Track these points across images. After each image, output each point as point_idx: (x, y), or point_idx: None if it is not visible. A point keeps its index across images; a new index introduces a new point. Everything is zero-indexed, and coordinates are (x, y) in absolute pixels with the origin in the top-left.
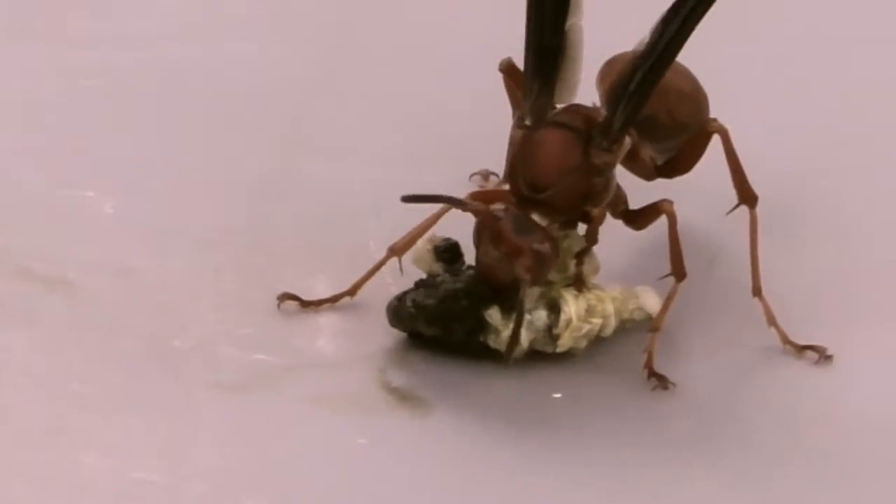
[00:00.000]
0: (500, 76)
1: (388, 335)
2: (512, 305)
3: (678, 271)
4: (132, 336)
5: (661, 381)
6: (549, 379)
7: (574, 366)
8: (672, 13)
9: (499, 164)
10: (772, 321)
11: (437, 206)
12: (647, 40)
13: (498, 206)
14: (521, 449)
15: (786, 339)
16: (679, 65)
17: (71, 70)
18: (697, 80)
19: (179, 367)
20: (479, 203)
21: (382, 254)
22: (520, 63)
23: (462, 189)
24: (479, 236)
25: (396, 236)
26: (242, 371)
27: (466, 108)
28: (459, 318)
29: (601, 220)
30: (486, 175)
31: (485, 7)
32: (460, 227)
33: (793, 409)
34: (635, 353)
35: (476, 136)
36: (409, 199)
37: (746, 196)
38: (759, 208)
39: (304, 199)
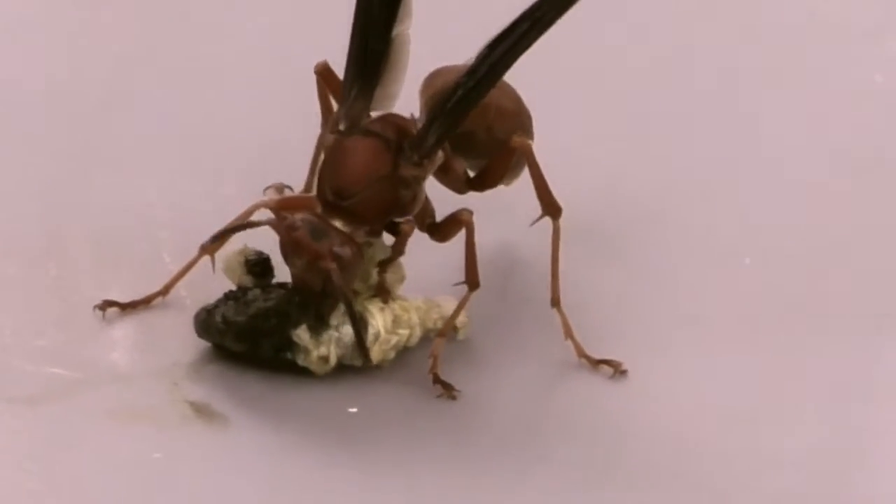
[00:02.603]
0: (298, 86)
1: (183, 349)
2: (319, 324)
3: (472, 280)
4: None
5: (445, 389)
6: (345, 392)
7: (372, 378)
8: (500, 38)
9: (294, 177)
10: (568, 333)
11: (245, 206)
12: (472, 61)
13: (297, 216)
14: (316, 464)
15: (581, 353)
16: (504, 83)
17: None
18: (522, 99)
19: None
20: (270, 218)
21: (176, 265)
22: (337, 67)
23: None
24: (284, 250)
25: (190, 247)
26: (36, 384)
27: (261, 119)
28: (268, 336)
29: (409, 233)
30: (280, 188)
31: (281, 14)
32: (273, 237)
33: (588, 422)
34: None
35: (271, 148)
36: (209, 245)
37: (550, 207)
38: (563, 221)
39: (97, 212)
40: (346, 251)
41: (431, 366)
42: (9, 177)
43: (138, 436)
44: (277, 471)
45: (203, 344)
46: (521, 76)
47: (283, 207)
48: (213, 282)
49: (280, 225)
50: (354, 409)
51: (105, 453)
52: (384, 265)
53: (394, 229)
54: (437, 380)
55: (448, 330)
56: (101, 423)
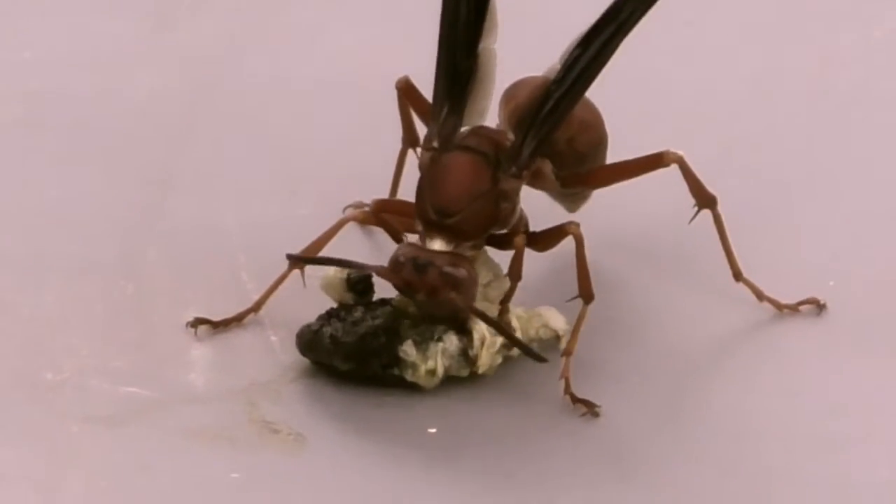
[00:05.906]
0: (369, 105)
1: (260, 368)
2: (425, 339)
3: (586, 293)
4: (2, 369)
5: (587, 407)
6: (425, 412)
7: (451, 399)
8: (584, 42)
9: (372, 195)
10: (761, 296)
11: (335, 220)
12: (559, 67)
13: (398, 253)
14: (394, 484)
15: (779, 306)
16: (586, 98)
17: None
18: (600, 113)
19: (51, 399)
20: (377, 266)
21: (255, 285)
22: (418, 81)
23: (335, 219)
24: (400, 292)
25: (268, 268)
26: (114, 404)
27: (336, 140)
28: (377, 354)
29: (522, 251)
30: (359, 206)
31: (350, 38)
32: (360, 241)
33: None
34: (514, 382)
35: (347, 168)
36: (299, 259)
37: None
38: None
39: (175, 233)
40: (459, 271)
41: (565, 387)
42: (88, 197)
43: (216, 455)
44: (355, 490)
45: (280, 363)
46: None
47: (379, 211)
48: (292, 300)
49: (386, 271)
50: (434, 430)
51: (183, 473)
52: (507, 298)
53: (496, 242)
54: (575, 399)
55: (573, 348)
56: (179, 442)
